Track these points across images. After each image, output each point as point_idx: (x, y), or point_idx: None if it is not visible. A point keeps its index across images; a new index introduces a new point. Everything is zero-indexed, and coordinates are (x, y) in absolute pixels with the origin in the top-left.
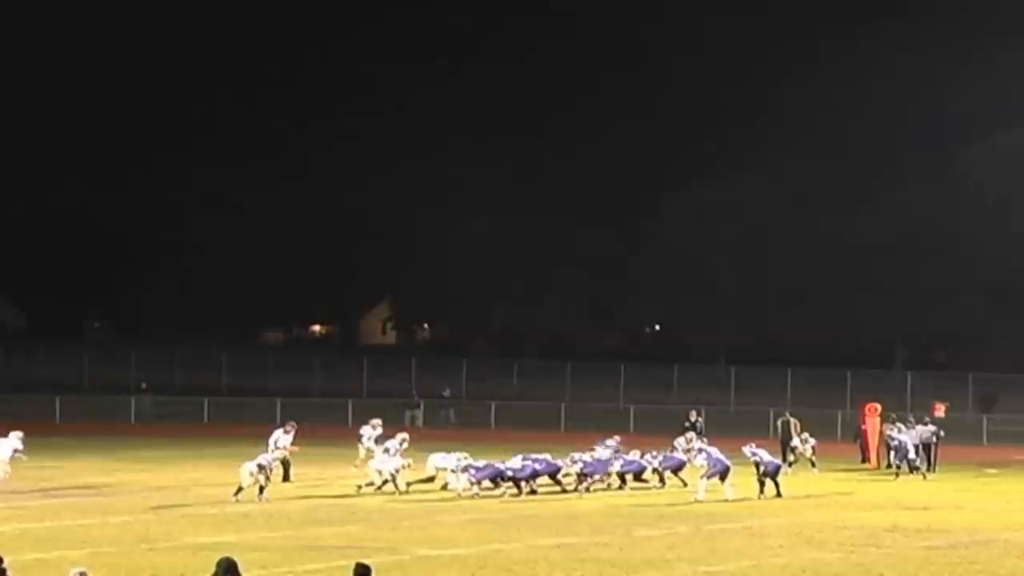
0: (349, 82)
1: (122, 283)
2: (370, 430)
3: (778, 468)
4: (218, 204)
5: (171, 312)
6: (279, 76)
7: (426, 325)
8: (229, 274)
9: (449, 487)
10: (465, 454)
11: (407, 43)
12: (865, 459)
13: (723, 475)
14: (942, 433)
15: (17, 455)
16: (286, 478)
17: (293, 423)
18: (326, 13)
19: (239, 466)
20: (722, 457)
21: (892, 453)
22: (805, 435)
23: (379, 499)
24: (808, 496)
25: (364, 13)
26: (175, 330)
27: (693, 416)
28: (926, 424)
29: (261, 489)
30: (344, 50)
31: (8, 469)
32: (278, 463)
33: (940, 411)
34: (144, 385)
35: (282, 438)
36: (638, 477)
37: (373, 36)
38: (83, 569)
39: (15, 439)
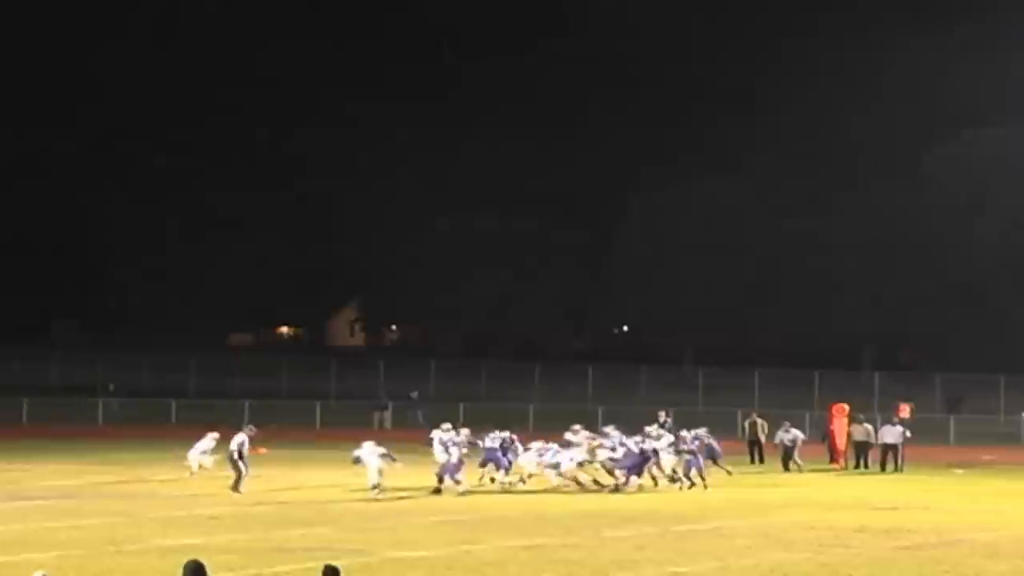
0: (316, 85)
1: (90, 285)
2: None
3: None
4: (187, 206)
5: (139, 314)
6: (248, 79)
7: (394, 327)
8: (197, 276)
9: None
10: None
11: (373, 44)
12: (833, 460)
13: (638, 469)
14: (908, 434)
15: None
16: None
17: (252, 426)
18: (292, 16)
19: (226, 468)
20: (635, 449)
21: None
22: (788, 425)
23: (348, 501)
24: (776, 496)
25: (330, 15)
26: (143, 332)
27: (662, 416)
28: (893, 425)
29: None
30: (308, 53)
31: None
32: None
33: (905, 412)
34: (112, 387)
35: (239, 438)
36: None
37: (338, 39)
38: (46, 572)
39: None
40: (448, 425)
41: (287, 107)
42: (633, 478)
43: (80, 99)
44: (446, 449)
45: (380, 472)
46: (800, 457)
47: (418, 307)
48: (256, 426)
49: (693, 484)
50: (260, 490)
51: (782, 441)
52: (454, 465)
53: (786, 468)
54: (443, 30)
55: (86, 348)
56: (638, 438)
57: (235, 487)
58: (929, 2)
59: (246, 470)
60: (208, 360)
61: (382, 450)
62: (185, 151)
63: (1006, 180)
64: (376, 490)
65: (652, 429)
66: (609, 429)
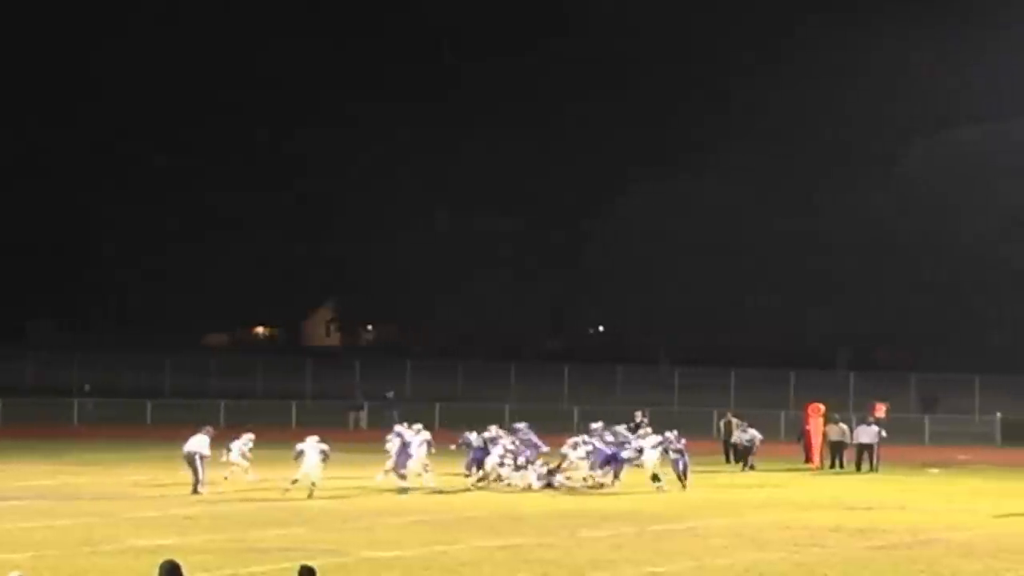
0: (292, 88)
1: (65, 285)
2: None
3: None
4: (161, 207)
5: (115, 314)
6: (227, 82)
7: (370, 327)
8: (173, 276)
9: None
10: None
11: (351, 47)
12: (808, 459)
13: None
14: (884, 433)
15: None
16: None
17: (210, 427)
18: (292, 15)
19: (182, 469)
20: (605, 448)
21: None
22: (745, 425)
23: (324, 501)
24: (751, 496)
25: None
26: (119, 332)
27: (639, 416)
28: (869, 424)
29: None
30: (283, 55)
31: None
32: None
33: (881, 411)
34: (87, 387)
35: (201, 439)
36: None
37: (314, 40)
38: (21, 573)
39: None
40: (419, 426)
41: (266, 109)
42: (598, 472)
43: (56, 105)
44: (406, 447)
45: (316, 468)
46: (756, 458)
47: (394, 307)
48: (234, 426)
49: (684, 485)
50: (235, 490)
51: (740, 441)
52: (401, 461)
53: (743, 467)
54: (441, 30)
55: (61, 348)
56: (610, 437)
57: (194, 488)
58: (914, 5)
59: (204, 471)
60: (184, 360)
61: (324, 447)
62: (159, 151)
63: (982, 181)
64: (295, 484)
65: (621, 428)
66: (597, 426)
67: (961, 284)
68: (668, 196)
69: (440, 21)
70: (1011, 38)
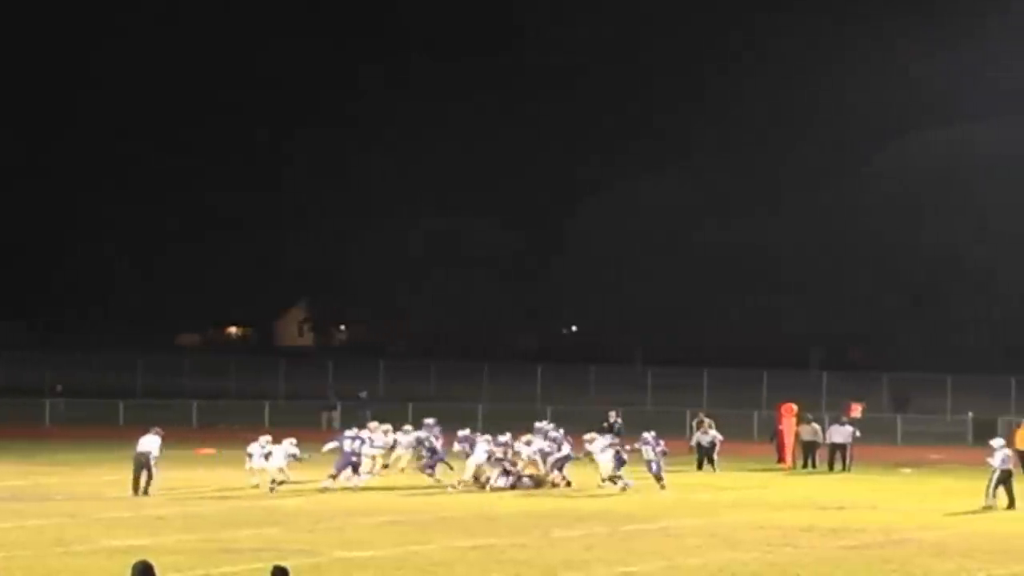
0: (260, 86)
1: (37, 284)
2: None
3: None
4: (134, 206)
5: (86, 314)
6: (197, 83)
7: (343, 327)
8: (145, 276)
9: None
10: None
11: (319, 47)
12: (781, 459)
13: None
14: (858, 433)
15: None
16: (145, 491)
17: (159, 428)
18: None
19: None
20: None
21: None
22: (710, 424)
23: (297, 500)
24: (724, 496)
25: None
26: (90, 332)
27: (612, 416)
28: (842, 424)
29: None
30: (247, 55)
31: None
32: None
33: (856, 411)
34: (59, 387)
35: (152, 439)
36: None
37: (281, 40)
38: None
39: None
40: (388, 426)
41: (237, 108)
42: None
43: (27, 100)
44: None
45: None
46: (717, 458)
47: (367, 307)
48: (206, 426)
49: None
50: (208, 491)
51: (701, 442)
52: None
53: (700, 467)
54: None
55: (32, 349)
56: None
57: (145, 490)
58: (878, 6)
59: (155, 473)
60: (156, 360)
61: (295, 451)
62: (133, 151)
63: (953, 182)
64: (255, 478)
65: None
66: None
67: (933, 284)
68: (642, 196)
69: (414, 22)
70: (981, 40)
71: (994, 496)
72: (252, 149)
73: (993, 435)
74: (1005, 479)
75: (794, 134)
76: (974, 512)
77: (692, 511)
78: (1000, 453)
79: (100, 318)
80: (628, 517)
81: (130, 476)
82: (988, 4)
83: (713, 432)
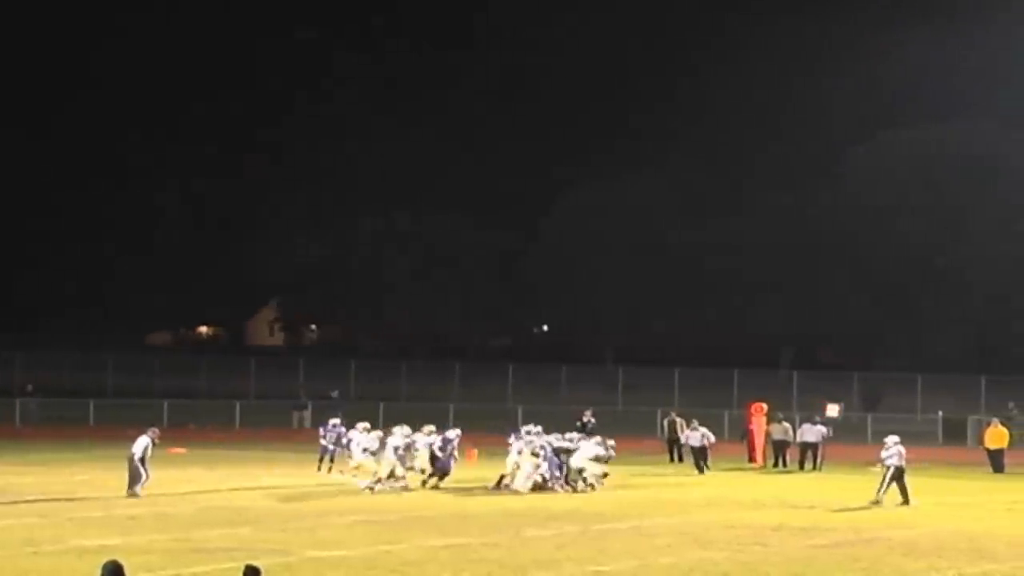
0: (234, 83)
1: (6, 284)
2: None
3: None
4: (105, 204)
5: (57, 313)
6: (173, 80)
7: (314, 326)
8: (116, 275)
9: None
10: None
11: (290, 42)
12: (751, 458)
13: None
14: (831, 433)
15: None
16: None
17: (155, 429)
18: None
19: (125, 468)
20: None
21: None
22: (695, 423)
23: (268, 501)
24: (695, 495)
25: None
26: (61, 331)
27: (586, 416)
28: (815, 423)
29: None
30: (221, 49)
31: None
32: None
33: (833, 411)
34: (29, 387)
35: (143, 441)
36: None
37: (251, 32)
38: None
39: None
40: (367, 425)
41: (209, 104)
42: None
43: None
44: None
45: None
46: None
47: (338, 307)
48: (176, 426)
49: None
50: (179, 491)
51: (689, 441)
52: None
53: (701, 471)
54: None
55: (2, 348)
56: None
57: (131, 489)
58: (850, 7)
59: (148, 474)
60: (126, 359)
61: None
62: (105, 147)
63: (923, 181)
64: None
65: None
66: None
67: (903, 284)
68: (612, 196)
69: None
70: (952, 39)
71: (885, 493)
72: (224, 147)
73: (963, 434)
74: (899, 476)
75: (766, 134)
76: (898, 508)
77: (663, 510)
78: (894, 450)
79: (71, 318)
80: (599, 516)
81: (104, 476)
82: (959, 4)
83: (703, 430)
